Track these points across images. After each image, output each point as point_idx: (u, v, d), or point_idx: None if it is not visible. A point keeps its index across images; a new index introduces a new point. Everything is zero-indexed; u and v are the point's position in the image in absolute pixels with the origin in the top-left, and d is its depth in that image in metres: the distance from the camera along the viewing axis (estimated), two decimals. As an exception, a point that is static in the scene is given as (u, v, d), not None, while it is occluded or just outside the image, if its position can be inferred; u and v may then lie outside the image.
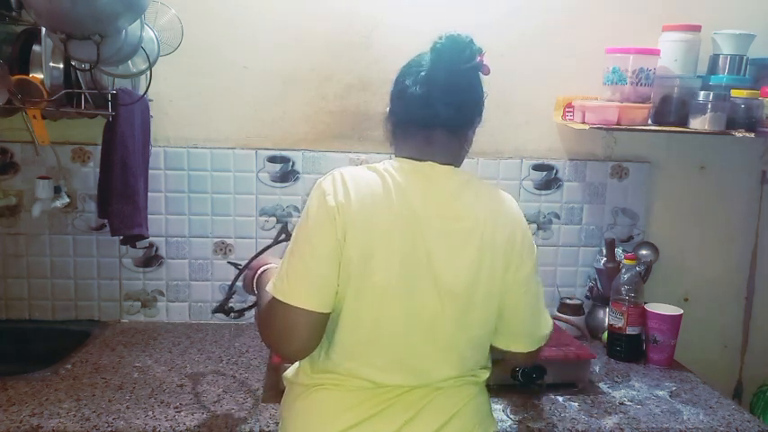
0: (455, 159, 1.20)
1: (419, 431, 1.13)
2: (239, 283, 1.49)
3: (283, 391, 1.29)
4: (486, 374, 1.23)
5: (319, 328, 1.12)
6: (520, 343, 1.24)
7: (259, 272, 1.34)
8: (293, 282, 1.10)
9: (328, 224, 1.09)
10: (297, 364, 1.24)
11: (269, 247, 1.52)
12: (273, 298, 1.11)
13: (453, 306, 1.13)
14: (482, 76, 1.20)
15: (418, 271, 1.11)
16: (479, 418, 1.20)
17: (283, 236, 1.42)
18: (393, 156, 1.22)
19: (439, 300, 1.12)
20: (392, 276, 1.10)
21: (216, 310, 1.57)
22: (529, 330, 1.24)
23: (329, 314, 1.12)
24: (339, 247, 1.09)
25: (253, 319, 2.01)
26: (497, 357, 1.27)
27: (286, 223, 1.54)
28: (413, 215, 1.11)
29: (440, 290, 1.12)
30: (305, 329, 1.11)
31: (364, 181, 1.13)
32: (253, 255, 1.53)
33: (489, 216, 1.16)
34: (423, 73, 1.17)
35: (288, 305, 1.09)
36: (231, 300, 1.57)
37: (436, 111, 1.16)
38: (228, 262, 1.73)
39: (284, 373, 1.27)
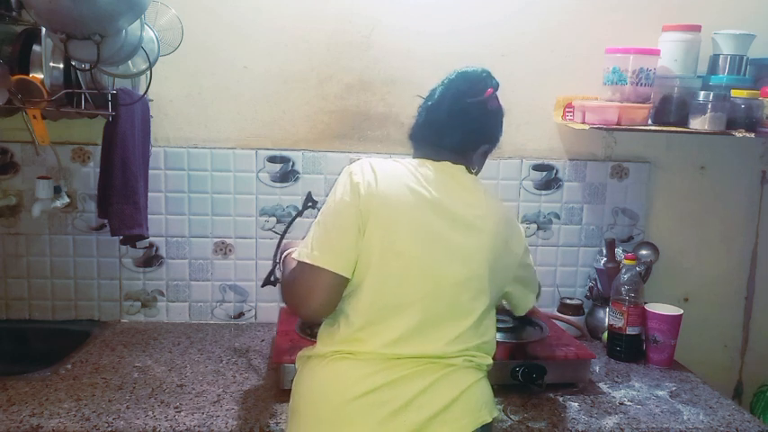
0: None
1: (431, 401, 1.19)
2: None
3: (283, 391, 1.30)
4: (488, 360, 1.30)
5: (337, 291, 1.24)
6: (530, 304, 1.48)
7: (284, 254, 1.45)
8: (317, 246, 1.23)
9: (353, 198, 1.22)
10: (316, 341, 1.30)
11: (298, 214, 1.62)
12: (299, 263, 1.24)
13: (466, 278, 1.24)
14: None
15: (439, 246, 1.24)
16: (485, 399, 1.26)
17: (310, 204, 1.58)
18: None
19: (456, 273, 1.24)
20: (415, 247, 1.22)
21: (264, 284, 1.61)
22: (534, 294, 1.48)
23: (347, 280, 1.23)
24: (362, 219, 1.22)
25: (252, 319, 2.01)
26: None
27: (310, 192, 1.59)
28: (433, 198, 1.25)
29: (456, 264, 1.24)
30: (325, 289, 1.23)
31: (390, 167, 1.27)
32: (286, 225, 1.67)
33: (495, 210, 1.33)
34: (429, 103, 1.34)
35: (312, 266, 1.22)
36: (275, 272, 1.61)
37: (439, 137, 1.32)
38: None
39: (298, 354, 1.32)
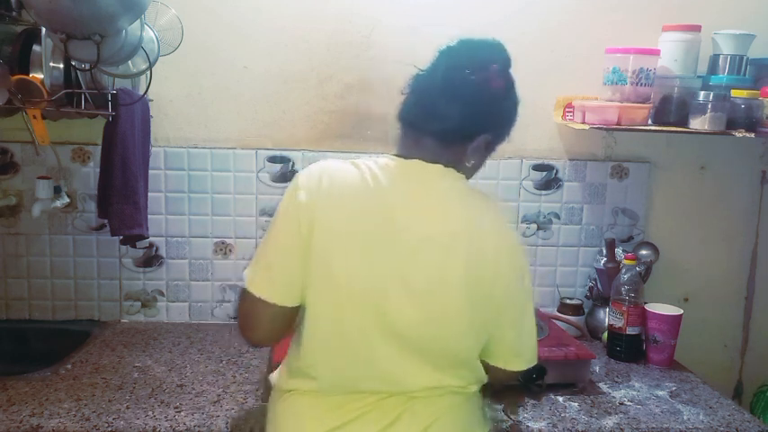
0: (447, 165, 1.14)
1: None
2: None
3: None
4: (474, 387, 1.16)
5: (282, 321, 1.11)
6: (515, 362, 1.18)
7: None
8: (258, 272, 1.10)
9: (294, 219, 1.07)
10: (279, 367, 1.21)
11: None
12: (244, 287, 1.13)
13: (429, 314, 1.06)
14: (519, 89, 1.14)
15: (391, 274, 1.05)
16: (461, 427, 1.14)
17: None
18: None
19: (413, 307, 1.06)
20: (357, 278, 1.06)
21: None
22: (519, 350, 1.18)
23: (296, 308, 1.10)
24: (304, 243, 1.06)
25: (253, 320, 2.01)
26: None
27: None
28: (388, 216, 1.06)
29: (415, 296, 1.06)
30: (266, 320, 1.11)
31: (341, 177, 1.09)
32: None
33: (479, 223, 1.09)
34: (420, 74, 1.13)
35: (252, 294, 1.10)
36: None
37: (426, 118, 1.10)
38: None
39: (269, 376, 1.25)
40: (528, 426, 1.44)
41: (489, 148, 1.16)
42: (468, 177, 1.16)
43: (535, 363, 1.20)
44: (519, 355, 1.18)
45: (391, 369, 1.09)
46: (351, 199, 1.07)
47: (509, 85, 1.13)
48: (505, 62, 1.11)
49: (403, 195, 1.08)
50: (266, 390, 1.35)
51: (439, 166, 1.11)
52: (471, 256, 1.07)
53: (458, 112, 1.08)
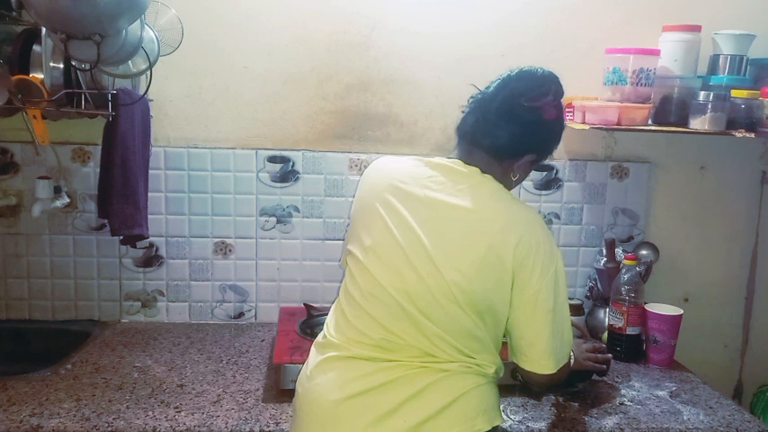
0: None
1: (420, 408, 1.14)
2: None
3: (283, 391, 1.34)
4: (491, 369, 1.22)
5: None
6: (534, 363, 1.23)
7: None
8: None
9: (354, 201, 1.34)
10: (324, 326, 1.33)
11: None
12: None
13: (446, 290, 1.16)
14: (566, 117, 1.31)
15: (418, 253, 1.18)
16: (483, 407, 1.19)
17: None
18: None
19: (428, 274, 1.17)
20: (383, 246, 1.21)
21: None
22: (547, 355, 1.22)
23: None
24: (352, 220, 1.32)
25: (252, 319, 2.02)
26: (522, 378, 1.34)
27: None
28: (419, 194, 1.21)
29: (436, 274, 1.17)
30: None
31: (391, 164, 1.29)
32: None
33: (502, 219, 1.18)
34: (481, 97, 1.25)
35: None
36: None
37: (480, 135, 1.23)
38: None
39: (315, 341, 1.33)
40: (528, 426, 1.44)
41: (532, 165, 1.28)
42: (508, 188, 1.26)
43: (562, 363, 1.25)
44: (547, 357, 1.22)
45: (423, 331, 1.18)
46: (388, 178, 1.25)
47: (559, 113, 1.25)
48: (558, 94, 1.23)
49: (437, 184, 1.21)
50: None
51: (474, 168, 1.23)
52: (493, 239, 1.16)
53: (510, 133, 1.21)
